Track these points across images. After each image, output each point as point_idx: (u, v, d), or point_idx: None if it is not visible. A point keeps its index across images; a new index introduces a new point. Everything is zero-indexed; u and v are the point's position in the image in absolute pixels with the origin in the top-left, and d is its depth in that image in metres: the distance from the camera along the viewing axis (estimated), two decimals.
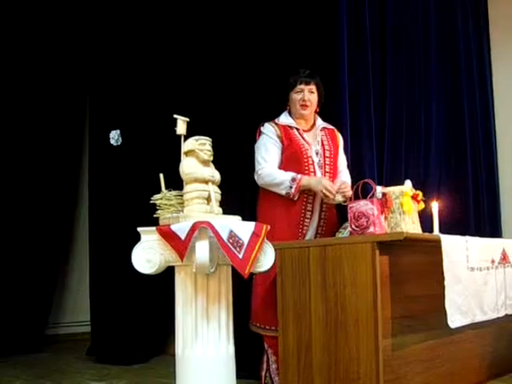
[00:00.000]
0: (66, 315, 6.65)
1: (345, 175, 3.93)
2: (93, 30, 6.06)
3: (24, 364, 5.15)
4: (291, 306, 3.20)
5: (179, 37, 5.41)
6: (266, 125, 3.88)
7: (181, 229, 2.55)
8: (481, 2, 5.47)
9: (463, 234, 3.42)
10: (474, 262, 3.30)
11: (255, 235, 2.60)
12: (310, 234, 3.73)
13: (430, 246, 3.15)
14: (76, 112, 6.40)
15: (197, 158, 2.75)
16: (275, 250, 2.79)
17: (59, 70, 6.21)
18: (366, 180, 3.42)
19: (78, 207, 6.61)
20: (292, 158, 3.76)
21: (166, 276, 2.82)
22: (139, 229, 2.67)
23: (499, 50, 5.47)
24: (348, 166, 4.01)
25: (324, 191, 3.57)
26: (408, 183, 3.51)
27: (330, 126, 4.00)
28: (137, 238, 2.67)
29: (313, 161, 3.76)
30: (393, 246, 2.95)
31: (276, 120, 3.92)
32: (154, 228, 2.65)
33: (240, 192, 4.48)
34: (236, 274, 2.65)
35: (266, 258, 2.71)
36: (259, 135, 3.91)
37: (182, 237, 2.53)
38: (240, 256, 2.53)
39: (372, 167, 4.28)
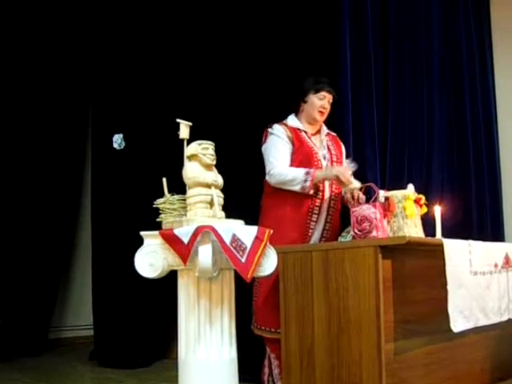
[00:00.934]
0: (69, 319, 6.66)
1: None
2: (95, 34, 6.08)
3: (26, 367, 5.16)
4: (294, 309, 3.20)
5: (181, 41, 5.42)
6: (276, 126, 3.85)
7: (184, 233, 2.55)
8: (483, 5, 5.48)
9: (466, 237, 3.41)
10: (476, 266, 3.29)
11: (258, 239, 2.60)
12: (315, 237, 3.73)
13: (432, 250, 3.14)
14: (79, 116, 6.42)
15: (200, 163, 2.75)
16: (278, 254, 2.79)
17: (62, 75, 6.24)
18: (368, 184, 3.42)
19: (80, 211, 6.62)
20: (303, 161, 3.74)
21: (169, 280, 2.82)
22: (142, 233, 2.68)
23: (501, 53, 5.47)
24: None
25: (340, 176, 3.54)
26: (411, 187, 3.51)
27: (333, 133, 4.02)
28: (140, 242, 2.68)
29: (322, 164, 3.77)
30: (395, 250, 2.95)
31: (284, 121, 3.90)
32: (156, 232, 2.66)
33: (243, 196, 4.48)
34: (239, 278, 2.66)
35: (269, 262, 2.71)
36: (267, 136, 3.87)
37: (185, 241, 2.54)
38: (243, 260, 2.53)
39: (375, 171, 4.28)
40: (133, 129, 5.20)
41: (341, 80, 4.26)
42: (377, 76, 4.54)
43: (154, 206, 2.83)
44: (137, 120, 5.41)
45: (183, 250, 2.55)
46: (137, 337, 5.28)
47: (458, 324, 3.09)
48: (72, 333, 6.64)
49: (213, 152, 2.78)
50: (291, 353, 3.20)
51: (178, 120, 2.82)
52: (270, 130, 3.86)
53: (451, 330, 3.06)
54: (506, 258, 3.64)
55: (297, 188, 3.64)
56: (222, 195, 2.80)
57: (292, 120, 3.92)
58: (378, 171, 4.34)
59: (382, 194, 3.32)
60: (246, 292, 3.72)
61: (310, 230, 3.71)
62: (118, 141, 3.45)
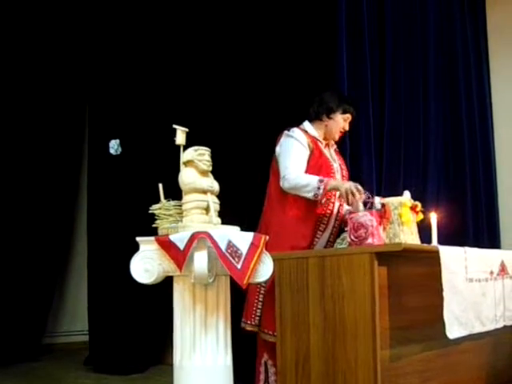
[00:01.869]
0: (64, 324, 6.65)
1: None
2: (92, 39, 6.09)
3: (21, 373, 5.15)
4: (289, 316, 3.19)
5: (178, 48, 5.44)
6: (296, 130, 3.78)
7: (179, 239, 2.55)
8: (480, 10, 5.48)
9: (462, 244, 3.41)
10: (472, 273, 3.29)
11: (254, 246, 2.60)
12: (320, 246, 3.74)
13: (428, 257, 3.14)
14: (75, 121, 6.42)
15: (196, 169, 2.75)
16: (274, 260, 2.79)
17: (59, 80, 6.24)
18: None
19: (76, 216, 6.61)
20: (320, 171, 3.72)
21: (165, 286, 2.82)
22: (138, 238, 2.68)
23: (497, 61, 5.48)
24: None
25: (353, 189, 3.46)
26: (407, 194, 3.51)
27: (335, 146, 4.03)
28: (135, 247, 2.68)
29: (336, 177, 3.78)
30: (391, 256, 2.95)
31: (302, 127, 3.86)
32: (152, 238, 2.66)
33: (239, 202, 4.48)
34: (234, 285, 2.65)
35: (265, 269, 2.71)
36: (284, 138, 3.80)
37: (181, 247, 2.54)
38: (238, 266, 2.53)
39: (371, 179, 4.29)
40: (129, 134, 5.21)
41: (338, 87, 4.27)
42: (373, 85, 4.55)
43: (150, 211, 2.83)
44: (133, 126, 5.42)
45: (179, 256, 2.55)
46: (132, 342, 5.27)
47: (453, 331, 3.09)
48: (67, 338, 6.62)
49: (209, 158, 2.78)
50: (287, 359, 3.19)
51: (174, 126, 2.82)
52: (289, 132, 3.79)
53: (447, 337, 3.06)
54: (502, 265, 3.64)
55: (310, 195, 3.59)
56: (218, 201, 2.80)
57: (309, 128, 3.87)
58: (374, 179, 4.35)
59: (378, 200, 3.32)
60: (241, 298, 3.72)
61: (316, 239, 3.72)
62: (114, 146, 3.45)
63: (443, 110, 4.99)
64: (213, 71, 5.19)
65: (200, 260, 2.51)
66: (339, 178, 3.82)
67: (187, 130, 2.84)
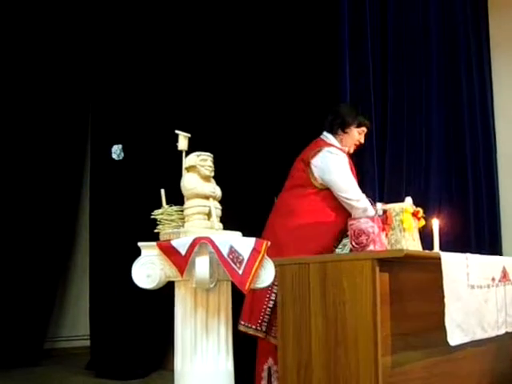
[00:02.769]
0: (65, 329, 6.64)
1: None
2: (95, 44, 6.11)
3: (22, 378, 5.14)
4: (291, 322, 3.19)
5: (181, 53, 5.45)
6: (336, 150, 3.81)
7: (181, 244, 2.55)
8: (482, 19, 5.48)
9: (464, 251, 3.41)
10: (474, 279, 3.29)
11: (255, 251, 2.60)
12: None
13: (430, 264, 3.14)
14: (78, 126, 6.43)
15: (198, 174, 2.75)
16: (275, 266, 2.79)
17: (62, 84, 6.25)
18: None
19: (78, 221, 6.61)
20: None
21: (166, 291, 2.82)
22: (140, 244, 2.68)
23: (500, 66, 5.48)
24: None
25: None
26: (409, 200, 3.51)
27: None
28: (137, 252, 2.68)
29: None
30: (393, 263, 2.94)
31: (332, 143, 3.87)
32: (154, 243, 2.66)
33: (241, 208, 4.48)
34: (235, 290, 2.65)
35: (266, 274, 2.70)
36: (326, 154, 3.79)
37: (183, 252, 2.54)
38: (240, 272, 2.53)
39: (373, 186, 4.30)
40: (132, 140, 5.22)
41: (340, 96, 4.28)
42: (376, 92, 4.56)
43: (152, 216, 2.83)
44: (136, 131, 5.43)
45: (180, 261, 2.55)
46: (133, 348, 5.27)
47: (455, 338, 3.08)
48: (68, 343, 6.62)
49: (211, 163, 2.78)
50: (288, 366, 3.19)
51: (176, 131, 2.83)
52: (331, 150, 3.80)
53: (448, 344, 3.06)
54: (504, 271, 3.64)
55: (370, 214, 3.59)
56: (220, 207, 2.80)
57: (335, 142, 3.88)
58: (377, 186, 4.35)
59: (379, 206, 3.32)
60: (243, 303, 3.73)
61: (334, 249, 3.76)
62: (116, 151, 3.45)
63: (445, 118, 4.99)
64: (215, 76, 5.20)
65: (201, 265, 2.51)
66: None
67: (189, 135, 2.85)
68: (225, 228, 2.75)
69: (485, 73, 5.35)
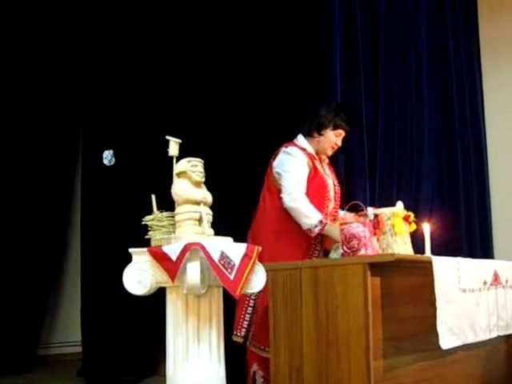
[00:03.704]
0: (57, 335, 6.61)
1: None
2: (86, 49, 6.09)
3: None
4: (283, 327, 3.18)
5: (172, 59, 5.45)
6: (295, 149, 3.78)
7: (172, 250, 2.55)
8: (472, 22, 5.50)
9: (455, 255, 3.42)
10: (465, 283, 3.30)
11: (247, 256, 2.60)
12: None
13: (421, 268, 3.14)
14: (69, 131, 6.40)
15: (189, 180, 2.75)
16: (267, 271, 2.78)
17: (52, 90, 6.22)
18: (355, 202, 3.42)
19: (69, 227, 6.58)
20: (316, 190, 3.74)
21: (157, 297, 2.81)
22: (131, 250, 2.67)
23: (490, 71, 5.50)
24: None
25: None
26: (400, 204, 3.52)
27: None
28: (128, 258, 2.67)
29: (330, 197, 3.80)
30: (384, 267, 2.95)
31: (298, 144, 3.85)
32: (145, 249, 2.66)
33: (232, 213, 4.48)
34: (227, 295, 2.65)
35: (258, 279, 2.70)
36: (283, 155, 3.79)
37: (174, 258, 2.53)
38: (231, 277, 2.53)
39: (364, 193, 4.30)
40: (123, 145, 5.20)
41: (331, 97, 4.29)
42: (367, 100, 4.57)
43: (143, 222, 2.82)
44: (127, 137, 5.42)
45: (171, 267, 2.55)
46: (125, 354, 5.25)
47: (446, 341, 3.09)
48: (60, 349, 6.58)
49: (202, 169, 2.78)
50: (280, 370, 3.18)
51: (167, 137, 2.83)
52: (287, 150, 3.80)
53: (440, 348, 3.06)
54: (495, 274, 3.65)
55: (304, 226, 3.62)
56: (211, 212, 2.80)
57: (306, 144, 3.86)
58: (368, 191, 4.36)
59: (371, 211, 3.32)
60: (234, 309, 3.72)
61: (316, 252, 3.76)
62: (108, 157, 3.45)
63: (436, 121, 5.02)
64: (206, 82, 5.20)
65: (192, 271, 2.51)
66: (332, 196, 3.84)
67: (180, 141, 2.85)
68: (216, 234, 2.75)
69: (475, 74, 5.37)
